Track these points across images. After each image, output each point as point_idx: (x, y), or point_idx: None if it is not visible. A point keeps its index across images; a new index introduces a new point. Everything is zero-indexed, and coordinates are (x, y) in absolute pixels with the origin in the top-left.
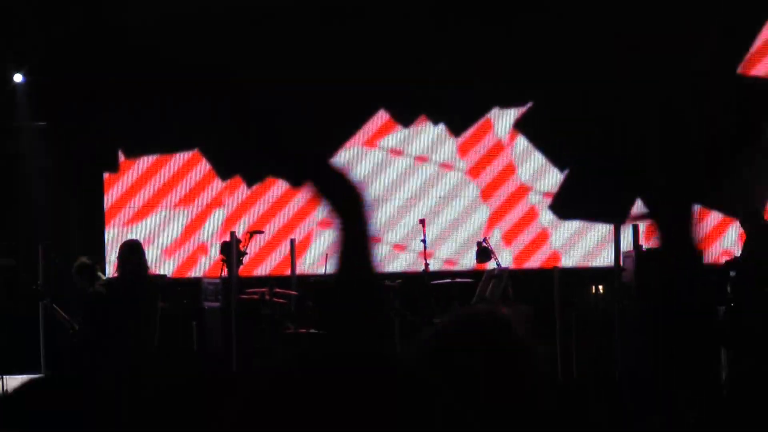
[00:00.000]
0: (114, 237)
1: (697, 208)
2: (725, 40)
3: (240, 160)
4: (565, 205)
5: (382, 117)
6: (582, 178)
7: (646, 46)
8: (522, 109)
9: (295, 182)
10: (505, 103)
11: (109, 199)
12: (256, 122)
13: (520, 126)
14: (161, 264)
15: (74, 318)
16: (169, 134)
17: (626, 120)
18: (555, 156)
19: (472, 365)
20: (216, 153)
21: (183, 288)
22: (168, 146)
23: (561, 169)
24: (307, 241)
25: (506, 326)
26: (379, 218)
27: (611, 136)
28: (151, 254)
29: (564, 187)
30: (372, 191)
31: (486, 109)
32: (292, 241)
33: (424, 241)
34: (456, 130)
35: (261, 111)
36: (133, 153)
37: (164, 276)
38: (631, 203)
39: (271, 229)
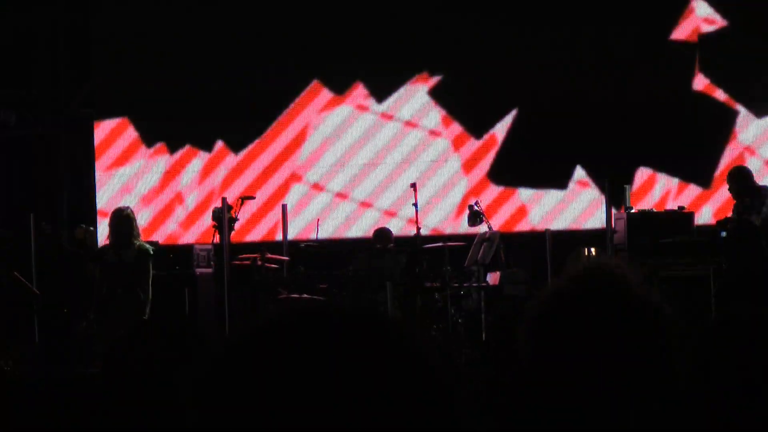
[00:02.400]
0: (105, 203)
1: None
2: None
3: (164, 128)
4: (501, 173)
5: (315, 87)
6: (517, 145)
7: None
8: (437, 78)
9: None
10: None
11: (101, 165)
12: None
13: (434, 94)
14: (154, 233)
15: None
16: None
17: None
18: (472, 125)
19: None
20: (142, 120)
21: (175, 254)
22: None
23: (478, 137)
24: (298, 206)
25: (624, 282)
26: (369, 183)
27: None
28: (141, 220)
29: (500, 154)
30: (363, 155)
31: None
32: (284, 207)
33: (415, 205)
34: (381, 96)
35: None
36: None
37: (156, 243)
38: (571, 170)
39: (262, 195)
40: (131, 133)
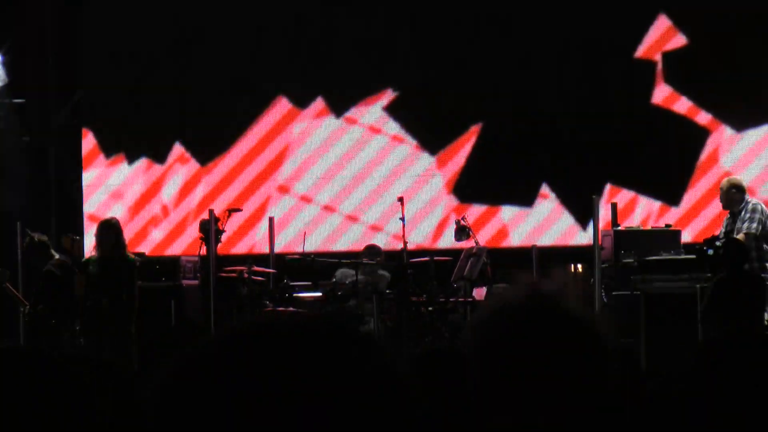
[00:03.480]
0: (92, 213)
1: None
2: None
3: (122, 139)
4: (468, 189)
5: (283, 103)
6: (484, 161)
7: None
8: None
9: None
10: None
11: (88, 176)
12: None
13: (389, 110)
14: (141, 243)
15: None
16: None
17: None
18: (425, 141)
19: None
20: (103, 130)
21: (161, 266)
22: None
23: (432, 153)
24: (285, 219)
25: (563, 304)
26: (356, 197)
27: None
28: (128, 230)
29: (465, 170)
30: (351, 168)
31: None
32: (271, 219)
33: (402, 219)
34: (338, 110)
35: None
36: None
37: (143, 254)
38: (538, 186)
39: (249, 207)
40: (111, 143)
